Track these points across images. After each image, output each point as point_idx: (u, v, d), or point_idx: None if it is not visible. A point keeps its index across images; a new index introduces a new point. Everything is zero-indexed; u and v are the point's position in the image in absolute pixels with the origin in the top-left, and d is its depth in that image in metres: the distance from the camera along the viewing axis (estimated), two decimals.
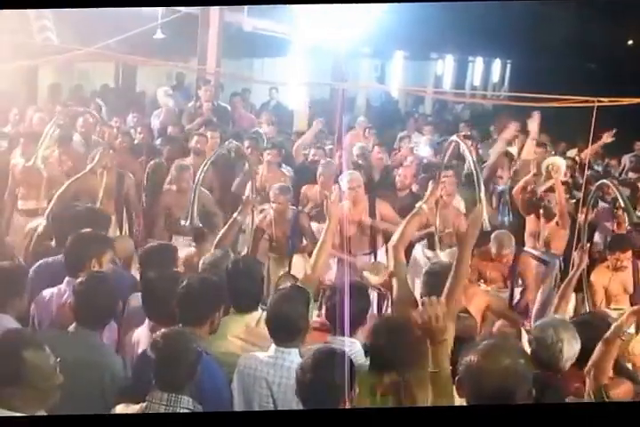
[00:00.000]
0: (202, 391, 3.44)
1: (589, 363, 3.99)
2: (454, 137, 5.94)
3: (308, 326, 3.96)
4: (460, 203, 7.79)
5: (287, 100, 12.80)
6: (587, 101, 7.30)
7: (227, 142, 7.08)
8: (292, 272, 7.07)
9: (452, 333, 3.68)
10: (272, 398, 3.78)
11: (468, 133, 10.90)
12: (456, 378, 2.81)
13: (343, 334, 4.08)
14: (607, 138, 8.66)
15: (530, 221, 7.77)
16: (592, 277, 6.54)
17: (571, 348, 4.15)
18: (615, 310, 6.43)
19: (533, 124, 9.38)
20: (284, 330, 3.86)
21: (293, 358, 3.78)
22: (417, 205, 4.88)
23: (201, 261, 4.88)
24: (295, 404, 3.47)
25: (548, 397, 3.57)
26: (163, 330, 3.45)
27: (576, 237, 6.67)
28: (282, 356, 3.82)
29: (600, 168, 10.97)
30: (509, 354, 2.76)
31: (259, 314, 4.32)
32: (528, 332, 5.11)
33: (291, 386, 3.53)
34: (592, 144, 8.82)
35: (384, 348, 3.65)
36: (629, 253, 6.54)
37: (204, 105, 10.45)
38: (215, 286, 4.09)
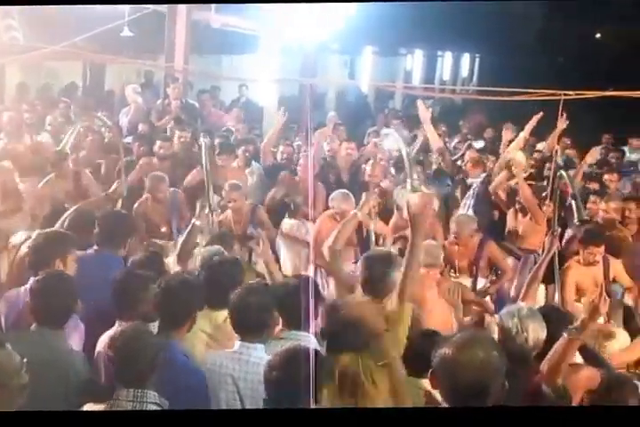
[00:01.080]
0: (177, 391, 3.44)
1: (546, 358, 4.03)
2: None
3: (274, 321, 3.98)
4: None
5: (257, 96, 12.77)
6: (553, 95, 7.39)
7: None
8: (257, 269, 7.13)
9: (407, 322, 3.78)
10: (239, 395, 3.79)
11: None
12: (430, 370, 2.83)
13: (298, 329, 4.11)
14: (561, 124, 8.71)
15: (509, 216, 7.87)
16: (564, 272, 6.55)
17: (536, 336, 4.18)
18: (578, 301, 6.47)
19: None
20: (248, 325, 3.88)
21: (259, 353, 3.79)
22: (351, 212, 5.51)
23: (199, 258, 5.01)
24: (262, 400, 3.46)
25: (517, 388, 3.59)
26: (119, 328, 3.45)
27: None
28: (247, 351, 3.83)
29: (577, 161, 11.02)
30: (484, 347, 2.78)
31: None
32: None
33: (257, 381, 3.57)
34: (556, 136, 8.96)
35: (339, 330, 3.66)
36: (602, 248, 6.53)
37: (173, 103, 10.43)
38: (193, 286, 4.09)
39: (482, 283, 6.94)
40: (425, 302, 5.88)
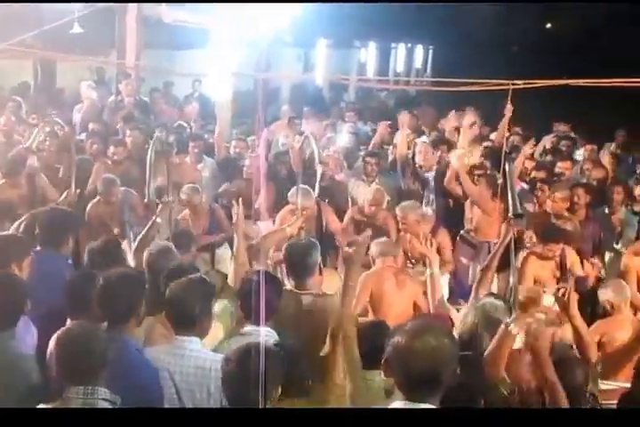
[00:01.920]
0: (129, 389, 3.41)
1: (487, 350, 4.08)
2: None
3: (209, 315, 3.99)
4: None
5: (211, 91, 12.71)
6: (502, 84, 7.47)
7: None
8: (217, 267, 7.16)
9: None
10: (175, 389, 3.80)
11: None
12: (383, 359, 2.87)
13: (258, 324, 4.16)
14: (508, 113, 8.83)
15: (466, 207, 8.01)
16: (523, 265, 6.62)
17: (492, 328, 4.21)
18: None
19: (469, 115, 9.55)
20: (182, 319, 3.89)
21: (194, 346, 3.81)
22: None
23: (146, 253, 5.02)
24: (198, 393, 3.54)
25: (472, 378, 3.65)
26: (65, 326, 3.44)
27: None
28: (182, 345, 3.85)
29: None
30: (436, 335, 2.82)
31: None
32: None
33: (192, 374, 3.63)
34: (504, 127, 9.05)
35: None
36: (561, 244, 6.63)
37: (126, 100, 10.37)
38: (134, 280, 4.08)
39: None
40: (383, 294, 5.96)
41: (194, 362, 3.76)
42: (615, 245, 7.88)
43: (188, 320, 3.88)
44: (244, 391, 3.13)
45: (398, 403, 2.81)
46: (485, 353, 4.02)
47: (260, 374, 3.13)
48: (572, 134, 11.50)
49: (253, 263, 5.31)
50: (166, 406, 3.76)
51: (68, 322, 4.07)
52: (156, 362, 3.82)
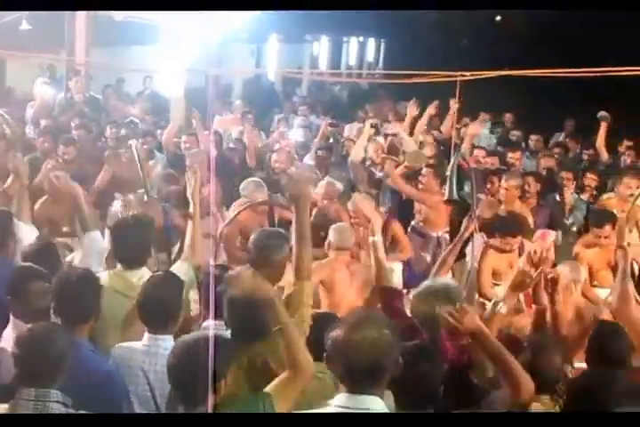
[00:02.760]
0: (84, 390, 3.39)
1: None
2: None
3: (181, 312, 3.99)
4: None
5: (163, 88, 12.65)
6: (450, 76, 7.57)
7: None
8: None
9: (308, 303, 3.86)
10: (149, 387, 3.79)
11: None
12: (324, 354, 2.89)
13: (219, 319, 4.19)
14: (454, 105, 8.94)
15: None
16: (481, 259, 6.67)
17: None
18: (496, 285, 6.63)
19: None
20: (156, 317, 3.88)
21: (168, 344, 3.76)
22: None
23: None
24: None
25: (424, 366, 3.67)
26: (29, 325, 3.42)
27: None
28: (156, 343, 3.84)
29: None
30: (375, 326, 2.84)
31: (141, 272, 4.50)
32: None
33: (166, 373, 3.55)
34: (452, 118, 9.18)
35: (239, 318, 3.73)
36: (519, 238, 6.65)
37: (76, 97, 10.28)
38: (91, 280, 4.02)
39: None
40: (334, 285, 6.00)
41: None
42: (566, 233, 8.01)
43: (162, 318, 3.87)
44: (189, 385, 3.11)
45: (342, 396, 2.83)
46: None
47: (210, 368, 3.09)
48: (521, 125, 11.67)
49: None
50: (140, 405, 3.77)
51: (11, 318, 4.09)
52: (129, 361, 3.82)
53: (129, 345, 3.93)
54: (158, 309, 3.87)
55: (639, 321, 4.85)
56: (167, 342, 3.81)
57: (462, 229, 5.48)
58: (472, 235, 5.60)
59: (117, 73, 13.39)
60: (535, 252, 4.76)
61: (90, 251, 5.19)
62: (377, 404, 2.81)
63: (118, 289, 4.41)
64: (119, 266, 4.63)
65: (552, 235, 7.10)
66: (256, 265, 4.16)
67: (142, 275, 4.50)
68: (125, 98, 12.25)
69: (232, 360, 3.37)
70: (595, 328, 4.46)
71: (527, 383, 3.59)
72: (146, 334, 3.89)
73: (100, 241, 5.33)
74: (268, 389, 3.33)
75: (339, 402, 2.83)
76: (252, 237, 4.44)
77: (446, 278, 4.80)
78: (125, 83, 13.13)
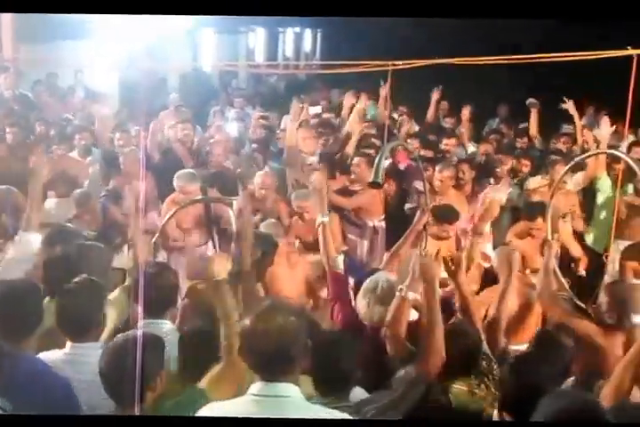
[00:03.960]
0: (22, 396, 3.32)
1: (385, 322, 4.20)
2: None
3: (103, 317, 3.93)
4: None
5: (96, 83, 12.48)
6: (382, 65, 7.61)
7: None
8: (115, 264, 7.04)
9: None
10: (76, 398, 3.64)
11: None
12: (237, 347, 2.92)
13: (159, 317, 4.18)
14: (384, 92, 9.02)
15: None
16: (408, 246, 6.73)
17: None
18: None
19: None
20: (76, 326, 3.80)
21: (91, 352, 3.67)
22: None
23: None
24: (99, 400, 3.42)
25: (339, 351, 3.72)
26: None
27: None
28: (79, 352, 3.76)
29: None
30: (280, 313, 2.89)
31: None
32: None
33: (91, 382, 3.47)
34: (385, 106, 9.24)
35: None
36: (455, 225, 6.69)
37: (5, 93, 10.09)
38: (26, 291, 3.88)
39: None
40: (275, 277, 6.00)
41: (94, 368, 3.49)
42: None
43: (83, 327, 3.80)
44: (121, 386, 3.12)
45: (257, 384, 2.87)
46: (385, 327, 4.13)
47: (137, 368, 3.13)
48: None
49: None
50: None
51: None
52: (54, 369, 3.67)
53: (51, 354, 3.83)
54: (76, 317, 3.80)
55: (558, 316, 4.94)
56: (91, 350, 3.70)
57: (415, 221, 5.54)
58: (425, 227, 5.66)
59: (49, 69, 13.13)
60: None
61: (23, 253, 5.08)
62: (292, 390, 2.86)
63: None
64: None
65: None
66: None
67: None
68: (58, 94, 12.02)
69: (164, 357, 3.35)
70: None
71: (439, 354, 3.74)
72: (68, 343, 3.81)
73: (36, 244, 5.24)
74: (202, 383, 3.33)
75: (254, 391, 2.87)
76: None
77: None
78: (58, 78, 12.87)
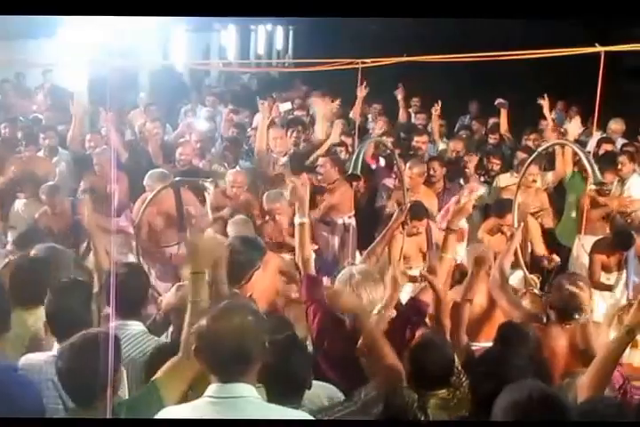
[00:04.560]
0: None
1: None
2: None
3: (92, 319, 3.88)
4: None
5: (65, 81, 12.36)
6: (351, 63, 7.61)
7: None
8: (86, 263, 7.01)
9: None
10: (61, 400, 3.60)
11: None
12: (192, 347, 2.89)
13: (130, 318, 4.14)
14: (360, 92, 9.03)
15: None
16: (390, 246, 6.71)
17: (375, 292, 4.29)
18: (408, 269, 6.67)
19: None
20: (65, 326, 3.70)
21: None
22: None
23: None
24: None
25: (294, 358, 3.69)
26: None
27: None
28: None
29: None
30: (238, 313, 2.88)
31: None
32: None
33: None
34: (359, 105, 9.26)
35: None
36: (425, 221, 6.75)
37: None
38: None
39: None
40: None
41: None
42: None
43: (72, 327, 3.63)
44: (79, 385, 3.11)
45: (213, 386, 2.85)
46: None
47: (110, 369, 3.09)
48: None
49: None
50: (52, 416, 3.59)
51: None
52: (39, 374, 3.66)
53: (37, 356, 3.79)
54: (67, 318, 3.75)
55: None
56: None
57: (392, 220, 5.55)
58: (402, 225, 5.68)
59: (18, 67, 13.00)
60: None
61: None
62: (249, 391, 2.85)
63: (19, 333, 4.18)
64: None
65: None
66: None
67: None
68: (26, 93, 11.91)
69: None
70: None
71: (396, 370, 3.71)
72: (55, 344, 3.76)
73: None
74: (157, 375, 3.28)
75: (210, 392, 2.85)
76: None
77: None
78: (26, 77, 12.76)
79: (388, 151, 8.53)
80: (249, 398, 2.84)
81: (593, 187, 7.32)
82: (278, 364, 3.32)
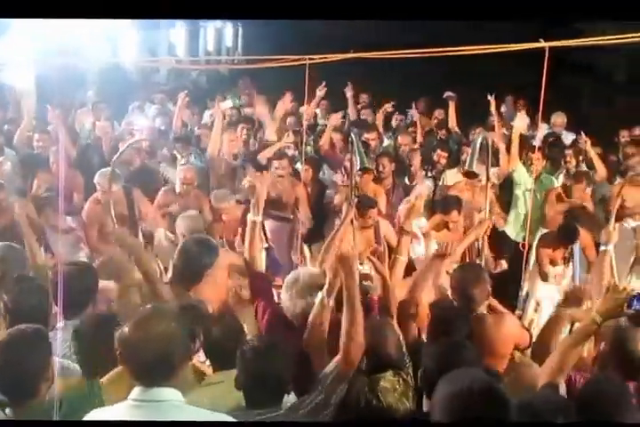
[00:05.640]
0: None
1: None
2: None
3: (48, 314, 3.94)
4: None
5: (10, 79, 12.19)
6: (299, 60, 7.65)
7: None
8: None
9: None
10: None
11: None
12: (117, 352, 2.91)
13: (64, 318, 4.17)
14: (320, 91, 9.08)
15: None
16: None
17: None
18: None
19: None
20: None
21: None
22: None
23: None
24: None
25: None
26: None
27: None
28: None
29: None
30: (160, 319, 2.90)
31: None
32: None
33: None
34: (315, 102, 9.31)
35: None
36: (374, 213, 6.82)
37: None
38: None
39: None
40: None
41: None
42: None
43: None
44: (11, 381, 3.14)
45: (136, 389, 2.87)
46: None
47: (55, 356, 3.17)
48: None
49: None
50: None
51: None
52: None
53: None
54: (27, 315, 3.79)
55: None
56: None
57: (343, 215, 5.62)
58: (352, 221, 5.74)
59: None
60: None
61: None
62: (173, 395, 2.86)
63: None
64: None
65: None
66: None
67: None
68: None
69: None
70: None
71: (359, 346, 3.77)
72: None
73: None
74: (103, 379, 3.31)
75: (134, 396, 2.87)
76: None
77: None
78: None
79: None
80: (173, 402, 2.84)
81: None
82: (256, 370, 3.37)
